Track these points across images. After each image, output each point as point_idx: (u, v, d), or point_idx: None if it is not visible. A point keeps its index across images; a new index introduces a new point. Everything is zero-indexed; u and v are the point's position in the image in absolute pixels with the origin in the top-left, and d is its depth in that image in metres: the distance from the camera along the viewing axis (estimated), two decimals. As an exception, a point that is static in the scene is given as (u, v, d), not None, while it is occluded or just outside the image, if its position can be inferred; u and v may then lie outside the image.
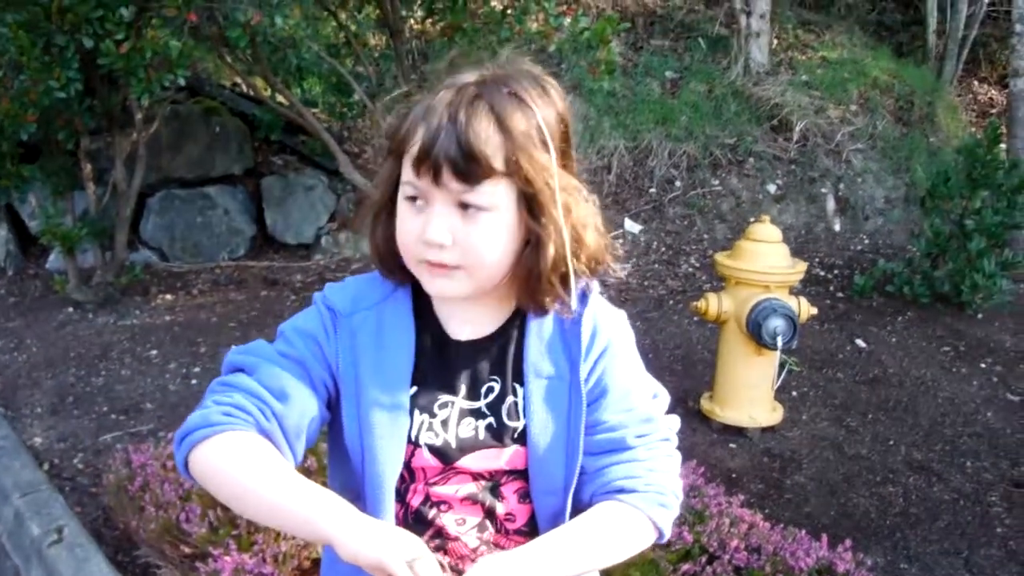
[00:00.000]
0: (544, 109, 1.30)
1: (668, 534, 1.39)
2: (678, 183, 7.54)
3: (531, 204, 1.30)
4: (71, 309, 5.83)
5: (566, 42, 5.31)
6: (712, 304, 4.26)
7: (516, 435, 1.38)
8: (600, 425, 1.39)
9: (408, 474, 1.38)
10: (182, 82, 4.69)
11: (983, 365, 5.42)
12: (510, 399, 1.38)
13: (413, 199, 1.30)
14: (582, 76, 6.41)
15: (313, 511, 1.19)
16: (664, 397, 1.47)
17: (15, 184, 5.39)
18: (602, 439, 1.39)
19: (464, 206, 1.27)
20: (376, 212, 1.40)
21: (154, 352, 5.23)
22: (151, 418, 4.44)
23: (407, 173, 1.29)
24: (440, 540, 1.38)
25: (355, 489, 1.36)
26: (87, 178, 5.75)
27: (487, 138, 1.24)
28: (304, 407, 1.32)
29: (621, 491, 1.36)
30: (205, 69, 7.84)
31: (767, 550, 2.90)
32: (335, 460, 1.45)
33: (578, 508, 1.39)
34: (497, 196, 1.27)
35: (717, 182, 7.63)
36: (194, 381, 4.86)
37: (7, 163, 5.28)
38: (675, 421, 1.47)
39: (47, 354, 5.20)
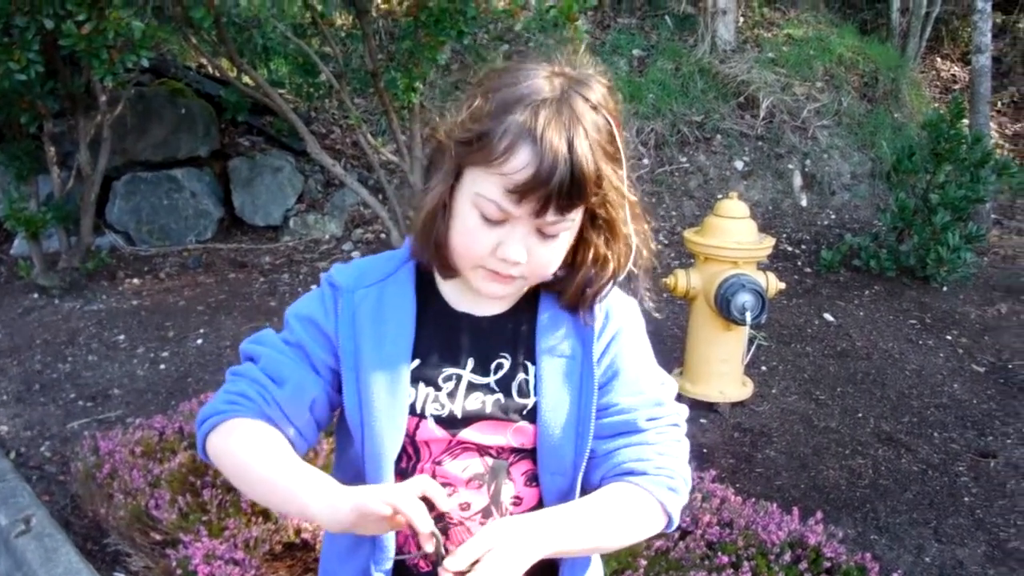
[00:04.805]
0: (613, 116, 1.28)
1: (677, 521, 1.41)
2: (646, 161, 7.55)
3: (598, 221, 1.32)
4: (36, 295, 5.77)
5: (533, 20, 5.29)
6: (681, 280, 4.27)
7: (525, 412, 1.39)
8: (611, 408, 1.40)
9: (414, 451, 1.39)
10: (146, 63, 4.61)
11: (949, 337, 5.48)
12: (521, 376, 1.40)
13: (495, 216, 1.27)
14: (549, 55, 6.38)
15: (294, 485, 1.22)
16: (672, 385, 1.48)
17: (-23, 169, 5.32)
18: (613, 421, 1.40)
19: (547, 228, 1.28)
20: (432, 214, 1.33)
21: (121, 337, 5.19)
22: (119, 404, 4.40)
23: (495, 192, 1.24)
24: (442, 525, 1.37)
25: (358, 467, 1.38)
26: (51, 162, 5.68)
27: (590, 172, 1.23)
28: (304, 390, 1.36)
29: (631, 473, 1.38)
30: (170, 50, 7.75)
31: (739, 524, 2.93)
32: (341, 442, 1.47)
33: (587, 492, 1.40)
34: (577, 217, 1.30)
35: (685, 159, 7.65)
36: (162, 366, 4.82)
37: (-32, 147, 5.23)
38: (684, 409, 1.48)
39: (12, 341, 5.14)
